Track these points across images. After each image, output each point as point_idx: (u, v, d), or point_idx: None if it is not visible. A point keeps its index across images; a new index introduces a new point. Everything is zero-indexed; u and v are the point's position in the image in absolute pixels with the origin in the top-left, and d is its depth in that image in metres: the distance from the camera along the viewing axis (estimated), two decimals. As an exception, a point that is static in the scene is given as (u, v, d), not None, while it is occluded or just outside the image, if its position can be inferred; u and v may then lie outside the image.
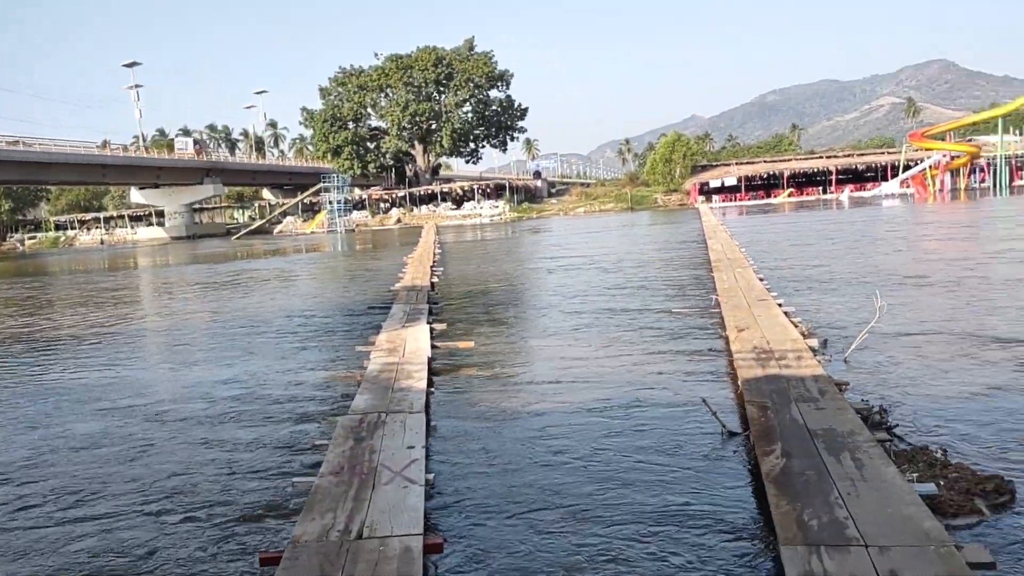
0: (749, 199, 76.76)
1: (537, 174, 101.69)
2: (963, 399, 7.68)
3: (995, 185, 63.82)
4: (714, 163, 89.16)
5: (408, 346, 10.87)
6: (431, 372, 9.72)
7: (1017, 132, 74.13)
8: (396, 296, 16.96)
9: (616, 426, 7.60)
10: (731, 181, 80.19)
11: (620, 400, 8.47)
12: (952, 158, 65.62)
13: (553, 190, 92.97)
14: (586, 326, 13.26)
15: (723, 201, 75.74)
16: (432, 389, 9.04)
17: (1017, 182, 67.17)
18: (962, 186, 65.61)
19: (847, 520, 4.56)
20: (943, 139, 68.73)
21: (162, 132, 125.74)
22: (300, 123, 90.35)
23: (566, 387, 9.28)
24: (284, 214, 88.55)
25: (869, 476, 5.16)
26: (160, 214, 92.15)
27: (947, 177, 64.97)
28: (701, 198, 76.65)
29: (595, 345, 11.61)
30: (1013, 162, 68.42)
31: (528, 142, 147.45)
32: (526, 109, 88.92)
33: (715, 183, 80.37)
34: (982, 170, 68.17)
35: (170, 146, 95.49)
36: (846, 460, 5.48)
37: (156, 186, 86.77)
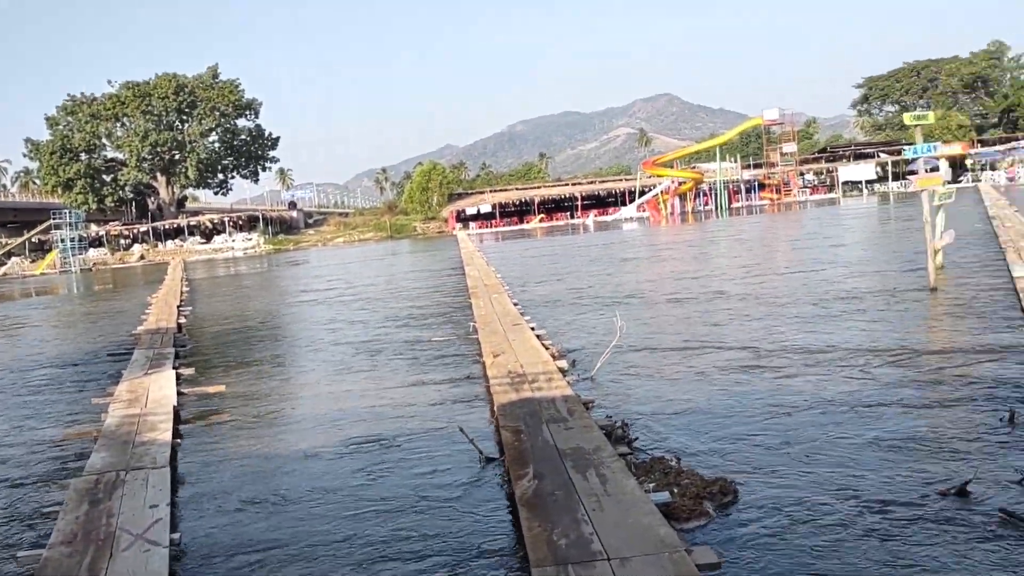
0: (504, 225, 79.51)
1: (293, 204, 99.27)
2: (695, 407, 8.40)
3: (716, 208, 70.66)
4: (470, 191, 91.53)
5: (151, 395, 10.16)
6: (178, 422, 9.13)
7: (733, 159, 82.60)
8: (138, 340, 15.81)
9: (376, 461, 7.55)
10: (486, 208, 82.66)
11: (379, 434, 8.42)
12: (680, 184, 71.97)
13: (310, 220, 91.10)
14: (346, 360, 13.09)
15: (480, 228, 77.89)
16: (179, 440, 8.49)
17: (735, 204, 74.77)
18: (689, 209, 72.01)
19: (592, 536, 4.83)
20: (671, 166, 75.31)
21: None
22: (24, 155, 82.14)
23: (324, 425, 9.09)
24: (8, 255, 79.84)
25: (612, 490, 5.50)
26: None
27: (676, 201, 71.11)
28: (459, 225, 78.33)
29: (355, 379, 11.49)
30: (730, 186, 76.12)
31: (282, 172, 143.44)
32: (278, 138, 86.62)
33: (471, 210, 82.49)
34: (705, 194, 75.23)
35: None
36: (592, 477, 5.80)
37: None
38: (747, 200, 76.79)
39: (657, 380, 9.79)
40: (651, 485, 5.85)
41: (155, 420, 8.79)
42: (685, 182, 72.08)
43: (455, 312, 17.59)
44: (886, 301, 13.96)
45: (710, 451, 7.00)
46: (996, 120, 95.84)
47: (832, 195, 76.47)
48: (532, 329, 13.09)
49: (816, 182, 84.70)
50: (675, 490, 5.75)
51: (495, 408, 8.37)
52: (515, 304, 16.57)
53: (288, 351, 15.19)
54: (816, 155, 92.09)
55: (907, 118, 15.36)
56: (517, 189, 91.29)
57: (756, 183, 79.65)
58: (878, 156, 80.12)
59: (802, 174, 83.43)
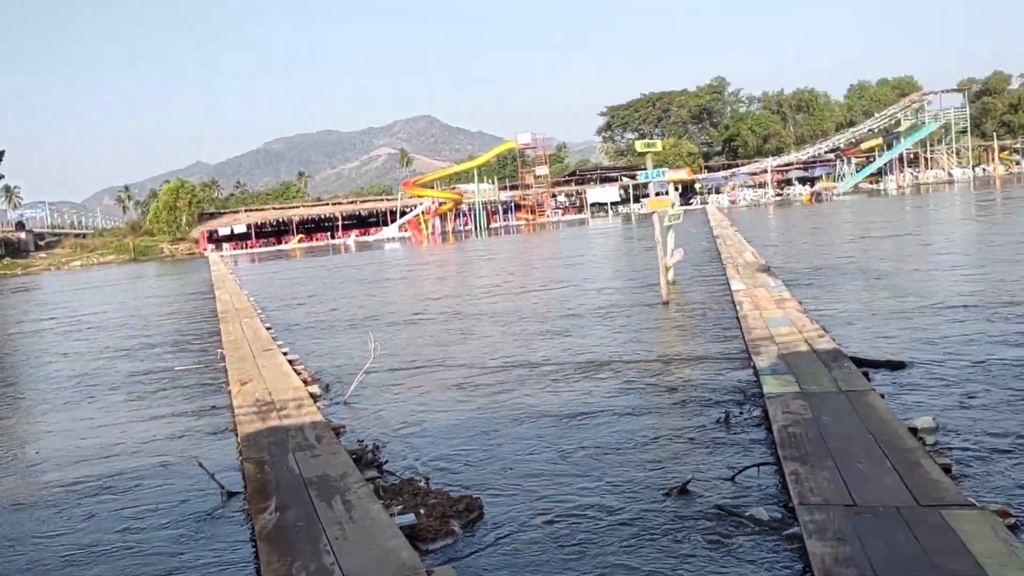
0: (261, 246, 76.78)
1: (20, 225, 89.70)
2: (447, 425, 8.49)
3: (476, 228, 72.53)
4: (223, 211, 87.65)
5: None
6: None
7: (491, 181, 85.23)
8: None
9: (104, 504, 6.94)
10: (241, 228, 79.45)
11: (110, 474, 7.75)
12: (440, 204, 73.19)
13: (42, 242, 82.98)
14: (81, 394, 11.98)
15: (234, 249, 74.65)
16: None
17: (494, 224, 77.16)
18: (450, 229, 73.39)
19: (333, 566, 4.72)
20: (432, 187, 76.45)
21: None
22: None
23: (55, 468, 8.23)
24: None
25: (357, 517, 5.42)
26: None
27: (437, 221, 72.21)
28: (211, 246, 74.63)
29: (84, 416, 10.53)
30: (488, 207, 78.47)
31: (8, 189, 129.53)
32: (1, 152, 78.22)
33: (225, 231, 78.92)
34: (465, 215, 77.04)
35: None
36: (337, 505, 5.68)
37: None
38: (505, 220, 79.54)
39: (411, 400, 9.82)
40: (398, 508, 5.82)
41: None
42: (445, 203, 73.42)
43: (202, 339, 16.68)
44: (624, 315, 14.94)
45: (460, 468, 7.10)
46: (720, 148, 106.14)
47: (582, 216, 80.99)
48: (285, 354, 12.70)
49: (567, 203, 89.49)
50: (422, 511, 5.76)
51: (239, 439, 8.00)
52: (268, 328, 16.02)
53: (14, 387, 13.66)
54: (567, 178, 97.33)
55: (639, 146, 16.63)
56: (275, 209, 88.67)
57: (513, 204, 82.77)
58: (621, 179, 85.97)
59: (554, 196, 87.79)
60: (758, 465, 6.29)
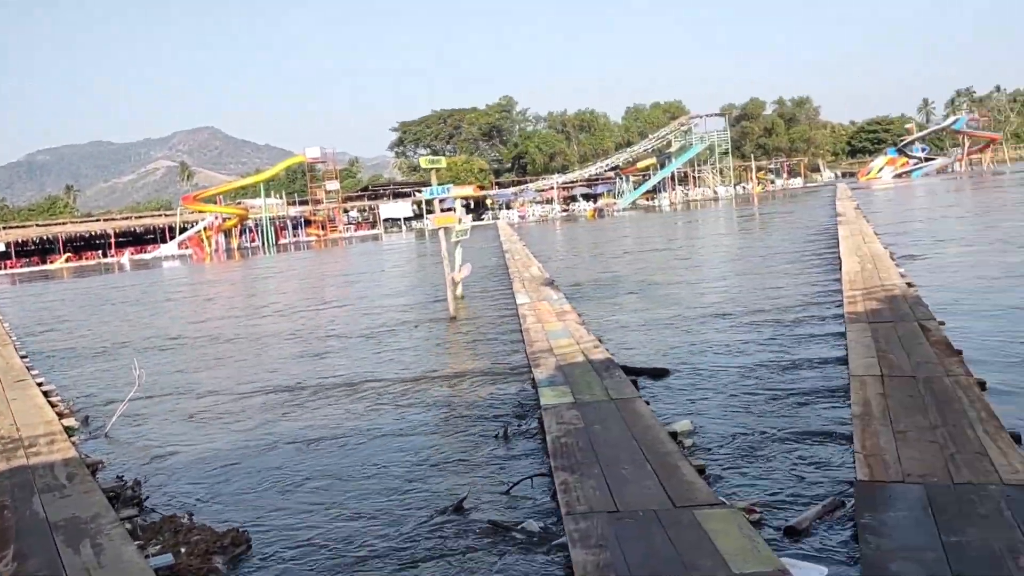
0: (22, 266, 70.06)
1: None
2: (215, 456, 8.04)
3: (264, 244, 70.03)
4: (-25, 227, 79.15)
5: None
6: None
7: (278, 196, 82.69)
8: None
9: None
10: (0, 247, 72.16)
11: None
12: (224, 220, 70.00)
13: None
14: None
15: (-11, 269, 67.64)
16: None
17: (282, 240, 74.83)
18: (235, 246, 70.35)
19: (75, 618, 4.32)
20: (215, 202, 72.95)
21: None
22: None
23: None
24: None
25: (107, 561, 4.99)
26: None
27: (221, 238, 69.00)
28: (-39, 268, 67.20)
29: None
30: (277, 223, 76.04)
31: None
32: None
33: (-21, 250, 71.33)
34: (251, 230, 74.17)
35: None
36: (86, 548, 5.21)
37: None
38: (294, 236, 77.37)
39: (178, 430, 9.24)
40: (156, 548, 5.43)
41: None
42: (229, 218, 70.32)
43: (-58, 371, 14.89)
44: (412, 330, 14.92)
45: (228, 500, 6.75)
46: (509, 165, 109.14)
47: (375, 231, 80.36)
48: (39, 385, 11.57)
49: (360, 219, 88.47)
50: (183, 550, 5.40)
51: (-26, 484, 7.17)
52: (23, 357, 14.55)
53: None
54: (360, 193, 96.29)
55: (423, 162, 16.72)
56: (38, 226, 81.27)
57: (303, 219, 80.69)
58: (414, 195, 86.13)
59: (346, 211, 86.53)
60: (532, 477, 6.43)
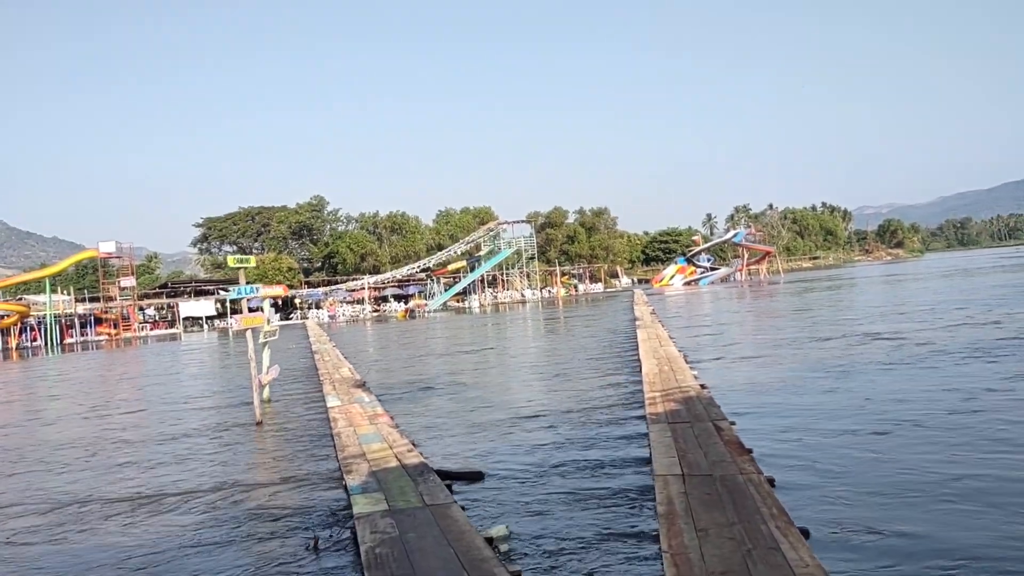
0: None
1: None
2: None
3: (47, 343, 64.61)
4: None
5: None
6: None
7: (66, 292, 77.02)
8: None
9: None
10: None
11: None
12: (3, 317, 64.16)
13: None
14: None
15: None
16: None
17: (68, 340, 69.34)
18: (13, 345, 64.47)
19: None
20: (-8, 297, 66.78)
21: None
22: None
23: None
24: None
25: None
26: None
27: (-2, 336, 63.02)
28: None
29: None
30: (63, 320, 70.57)
31: None
32: None
33: None
34: (34, 329, 68.37)
35: None
36: None
37: None
38: (83, 335, 72.03)
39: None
40: None
41: None
42: (9, 315, 64.46)
43: None
44: (213, 437, 14.14)
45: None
46: (320, 264, 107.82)
47: (174, 330, 76.30)
48: None
49: (157, 317, 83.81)
50: None
51: None
52: None
53: None
54: (158, 290, 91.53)
55: (231, 261, 16.23)
56: None
57: (93, 317, 75.41)
58: (218, 292, 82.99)
59: (142, 309, 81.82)
60: (345, 591, 6.20)
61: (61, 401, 22.93)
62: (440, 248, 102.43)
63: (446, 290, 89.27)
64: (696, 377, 15.10)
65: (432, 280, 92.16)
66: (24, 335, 67.51)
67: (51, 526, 9.02)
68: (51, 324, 66.56)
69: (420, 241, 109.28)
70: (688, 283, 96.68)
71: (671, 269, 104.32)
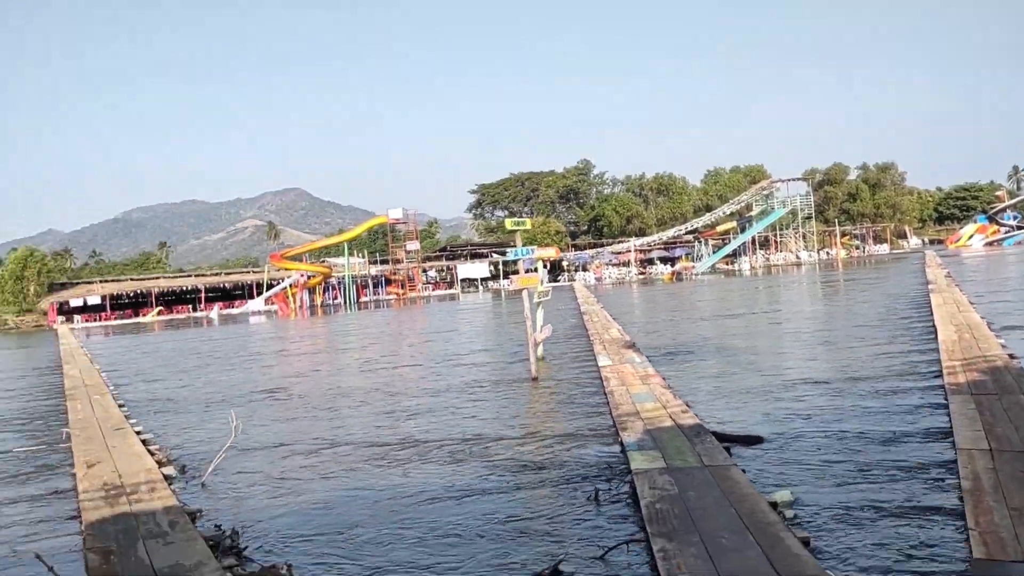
0: (116, 318, 73.00)
1: None
2: (311, 508, 8.18)
3: (345, 301, 71.56)
4: (76, 281, 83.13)
5: None
6: None
7: (361, 255, 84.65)
8: None
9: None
10: (95, 300, 75.47)
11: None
12: (309, 277, 71.91)
13: None
14: None
15: (86, 321, 70.67)
16: None
17: (364, 298, 76.35)
18: (319, 303, 72.06)
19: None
20: (300, 260, 75.10)
21: None
22: None
23: None
24: None
25: (213, 609, 5.11)
26: None
27: (306, 295, 70.79)
28: (61, 318, 70.37)
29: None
30: (358, 281, 77.73)
31: None
32: None
33: (76, 302, 74.72)
34: (334, 288, 75.96)
35: None
36: (190, 596, 5.35)
37: None
38: (375, 295, 78.91)
39: (273, 481, 9.42)
40: (257, 598, 5.52)
41: None
42: (314, 276, 72.19)
43: (47, 417, 15.56)
44: (492, 391, 14.96)
45: (324, 553, 6.83)
46: (586, 227, 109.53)
47: (452, 291, 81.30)
48: (138, 433, 12.00)
49: (438, 278, 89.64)
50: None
51: (83, 527, 7.43)
52: (120, 406, 15.12)
53: None
54: (438, 253, 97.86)
55: (508, 224, 16.96)
56: (132, 280, 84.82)
57: (383, 278, 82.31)
58: (491, 256, 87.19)
59: (425, 271, 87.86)
60: (627, 543, 6.34)
61: (358, 353, 25.34)
62: (708, 209, 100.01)
63: (714, 252, 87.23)
64: (1004, 346, 13.62)
65: (699, 242, 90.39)
66: (327, 294, 75.27)
67: (364, 461, 10.04)
68: (348, 284, 73.63)
69: (687, 202, 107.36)
70: (989, 244, 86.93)
71: (969, 228, 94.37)
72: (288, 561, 6.50)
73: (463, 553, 6.56)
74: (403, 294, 78.06)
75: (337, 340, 32.98)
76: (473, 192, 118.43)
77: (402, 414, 13.31)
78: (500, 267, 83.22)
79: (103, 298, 75.82)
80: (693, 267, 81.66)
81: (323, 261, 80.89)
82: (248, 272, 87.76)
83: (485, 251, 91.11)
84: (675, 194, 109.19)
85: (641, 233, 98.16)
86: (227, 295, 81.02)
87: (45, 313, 72.63)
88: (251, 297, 76.26)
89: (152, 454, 10.47)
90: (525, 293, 16.50)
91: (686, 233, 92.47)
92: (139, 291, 79.26)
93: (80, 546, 7.40)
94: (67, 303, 74.24)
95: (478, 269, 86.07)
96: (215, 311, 71.53)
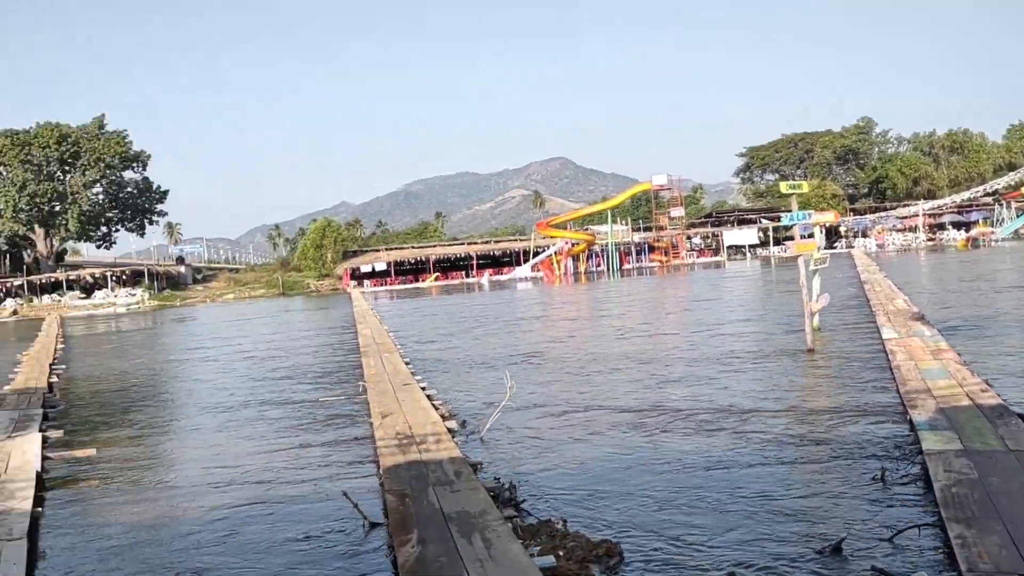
0: (399, 283, 79.15)
1: (180, 259, 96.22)
2: (583, 468, 8.43)
3: (608, 269, 72.34)
4: (364, 248, 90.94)
5: (12, 461, 9.49)
6: (41, 489, 8.56)
7: (624, 222, 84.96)
8: (2, 401, 14.83)
9: (265, 528, 7.24)
10: (381, 266, 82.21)
11: (269, 498, 8.11)
12: (573, 245, 73.46)
13: (199, 276, 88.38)
14: (229, 421, 12.60)
15: (374, 285, 77.27)
16: (41, 509, 7.95)
17: (626, 265, 76.70)
18: (582, 270, 73.46)
19: (475, 603, 4.73)
20: (565, 228, 76.90)
21: None
22: None
23: (202, 491, 8.67)
24: None
25: (497, 555, 5.42)
26: None
27: (569, 262, 72.46)
28: (353, 283, 77.50)
29: (238, 441, 11.06)
30: (621, 248, 78.13)
31: (170, 226, 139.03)
32: (166, 192, 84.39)
33: (366, 268, 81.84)
34: (597, 255, 76.99)
35: None
36: (477, 541, 5.71)
37: None
38: (638, 262, 78.98)
39: (546, 440, 9.80)
40: (537, 549, 5.79)
41: (14, 488, 8.20)
42: (578, 243, 73.63)
43: (345, 371, 17.27)
44: (767, 362, 14.46)
45: (597, 512, 7.01)
46: (867, 190, 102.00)
47: (718, 258, 79.41)
48: (423, 389, 12.96)
49: (703, 246, 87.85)
50: (561, 554, 5.71)
51: (381, 471, 8.19)
52: (407, 363, 16.40)
53: (168, 412, 14.53)
54: (703, 219, 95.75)
55: (783, 187, 16.21)
56: (413, 248, 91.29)
57: (646, 245, 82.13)
58: (760, 222, 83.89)
59: (689, 238, 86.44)
60: (918, 526, 5.90)
61: (621, 320, 25.55)
62: (1012, 168, 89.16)
63: (1018, 216, 77.75)
64: None
65: (1001, 205, 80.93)
66: (590, 261, 76.50)
67: (633, 426, 10.17)
68: (612, 251, 74.30)
69: (986, 161, 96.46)
70: None
71: None
72: (563, 517, 6.75)
73: (738, 523, 6.45)
74: (666, 261, 77.45)
75: (598, 307, 33.47)
76: (741, 155, 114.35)
77: (669, 381, 13.28)
78: (769, 233, 79.87)
79: (388, 264, 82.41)
80: (992, 233, 73.31)
81: (586, 229, 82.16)
82: (515, 240, 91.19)
83: (753, 216, 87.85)
84: (971, 152, 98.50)
85: (930, 196, 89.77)
86: (496, 262, 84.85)
87: (340, 278, 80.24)
88: (518, 264, 79.28)
89: (436, 408, 11.27)
90: (800, 260, 15.73)
91: (984, 195, 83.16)
92: (418, 258, 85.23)
93: (377, 487, 8.17)
94: (358, 269, 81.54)
95: (745, 235, 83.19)
96: (485, 277, 75.25)
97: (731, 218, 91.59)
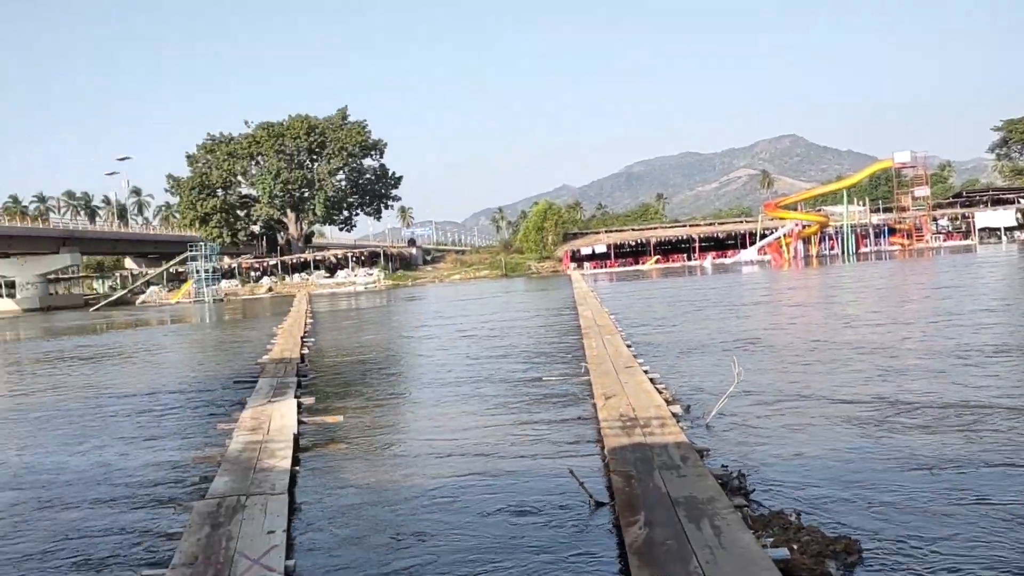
0: (618, 266, 79.21)
1: (412, 241, 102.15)
2: (817, 461, 8.04)
3: (843, 252, 68.32)
4: (585, 231, 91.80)
5: (273, 423, 10.52)
6: (297, 449, 9.42)
7: (861, 203, 79.80)
8: (263, 369, 16.45)
9: (489, 499, 7.54)
10: (601, 248, 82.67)
11: (493, 471, 8.43)
12: (804, 227, 69.99)
13: (428, 257, 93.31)
14: (459, 396, 13.21)
15: (594, 268, 77.86)
16: (298, 468, 8.75)
17: (863, 249, 72.10)
18: (813, 253, 69.88)
19: (705, 590, 4.66)
20: (795, 209, 73.41)
21: (15, 199, 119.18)
22: (166, 190, 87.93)
23: (437, 460, 9.17)
24: (148, 284, 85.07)
25: (727, 543, 5.31)
26: (11, 285, 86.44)
27: (800, 245, 69.13)
28: (573, 265, 78.53)
29: (468, 415, 11.57)
30: (858, 231, 73.48)
31: (403, 210, 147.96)
32: (400, 177, 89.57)
33: (586, 250, 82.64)
34: (831, 238, 72.91)
35: (23, 213, 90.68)
36: (706, 528, 5.62)
37: (6, 255, 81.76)
38: (876, 245, 74.05)
39: (776, 430, 9.44)
40: (769, 540, 5.60)
41: (275, 447, 9.07)
42: (810, 225, 70.08)
43: (567, 352, 17.55)
44: (1012, 357, 13.07)
45: (832, 507, 6.66)
46: None
47: (968, 242, 72.77)
48: (645, 372, 12.90)
49: (950, 228, 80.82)
50: (794, 547, 5.49)
51: (605, 451, 8.25)
52: (628, 345, 16.39)
53: (404, 384, 15.48)
54: (951, 200, 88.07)
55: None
56: (633, 230, 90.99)
57: (886, 228, 76.77)
58: (1019, 202, 75.85)
59: (935, 219, 79.79)
60: None
61: (855, 307, 24.02)
62: None
63: None
64: None
65: None
66: (823, 244, 72.61)
67: (867, 420, 9.57)
68: (847, 234, 70.08)
69: None
70: None
71: None
72: (796, 510, 6.48)
73: (996, 531, 5.89)
74: (909, 245, 71.97)
75: (835, 292, 31.68)
76: (997, 129, 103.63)
77: (912, 374, 12.35)
78: (1030, 214, 72.03)
79: (608, 247, 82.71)
80: None
81: (819, 210, 78.02)
82: (741, 222, 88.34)
83: (1011, 196, 79.53)
84: None
85: None
86: (720, 244, 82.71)
87: (560, 260, 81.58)
88: (743, 247, 76.81)
89: (659, 392, 11.17)
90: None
91: None
92: (639, 240, 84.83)
93: (601, 467, 8.25)
94: (578, 251, 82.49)
95: (1001, 217, 75.52)
96: (708, 261, 73.59)
97: (984, 198, 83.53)
